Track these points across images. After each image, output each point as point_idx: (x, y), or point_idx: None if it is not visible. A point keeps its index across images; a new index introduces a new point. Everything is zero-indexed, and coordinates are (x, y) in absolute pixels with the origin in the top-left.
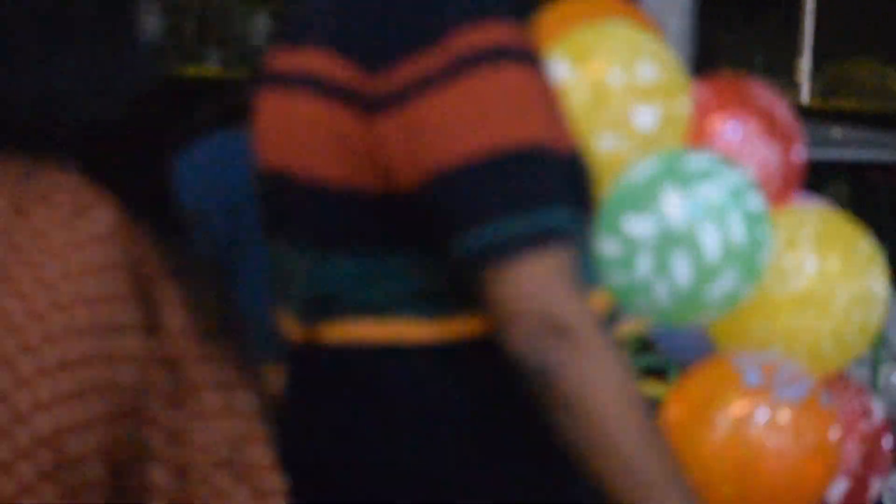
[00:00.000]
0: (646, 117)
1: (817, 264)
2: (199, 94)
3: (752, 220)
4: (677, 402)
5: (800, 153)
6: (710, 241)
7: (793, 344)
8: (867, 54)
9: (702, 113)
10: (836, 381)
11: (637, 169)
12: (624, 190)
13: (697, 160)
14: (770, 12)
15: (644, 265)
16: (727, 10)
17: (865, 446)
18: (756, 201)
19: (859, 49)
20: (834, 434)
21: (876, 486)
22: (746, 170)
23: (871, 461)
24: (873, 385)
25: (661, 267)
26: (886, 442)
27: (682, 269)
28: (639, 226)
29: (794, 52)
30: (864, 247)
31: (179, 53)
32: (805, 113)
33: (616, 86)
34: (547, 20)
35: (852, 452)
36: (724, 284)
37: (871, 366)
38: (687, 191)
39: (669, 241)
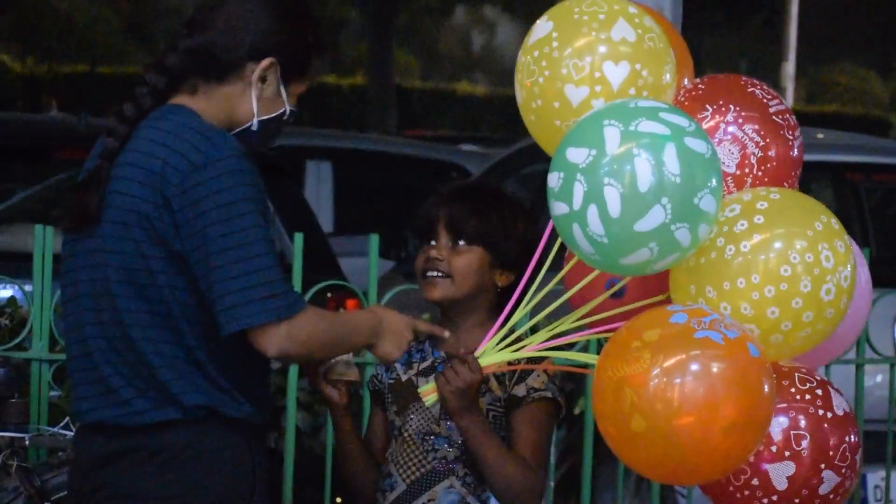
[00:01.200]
0: (619, 74)
1: (770, 230)
2: None
3: (690, 158)
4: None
5: (794, 148)
6: (643, 173)
7: (738, 304)
8: (850, 59)
9: (694, 106)
10: (793, 369)
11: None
12: (574, 127)
13: (646, 102)
14: (754, 18)
15: (579, 192)
16: (712, 16)
17: (818, 435)
18: (698, 144)
19: (842, 54)
20: (754, 380)
21: (830, 480)
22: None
23: (824, 451)
24: (857, 383)
25: (595, 194)
26: (847, 436)
27: (613, 198)
28: (579, 155)
29: (778, 57)
30: (823, 221)
31: None
32: None
33: (592, 43)
34: None
35: (800, 438)
36: (655, 217)
37: (856, 364)
38: (627, 124)
39: (604, 168)
